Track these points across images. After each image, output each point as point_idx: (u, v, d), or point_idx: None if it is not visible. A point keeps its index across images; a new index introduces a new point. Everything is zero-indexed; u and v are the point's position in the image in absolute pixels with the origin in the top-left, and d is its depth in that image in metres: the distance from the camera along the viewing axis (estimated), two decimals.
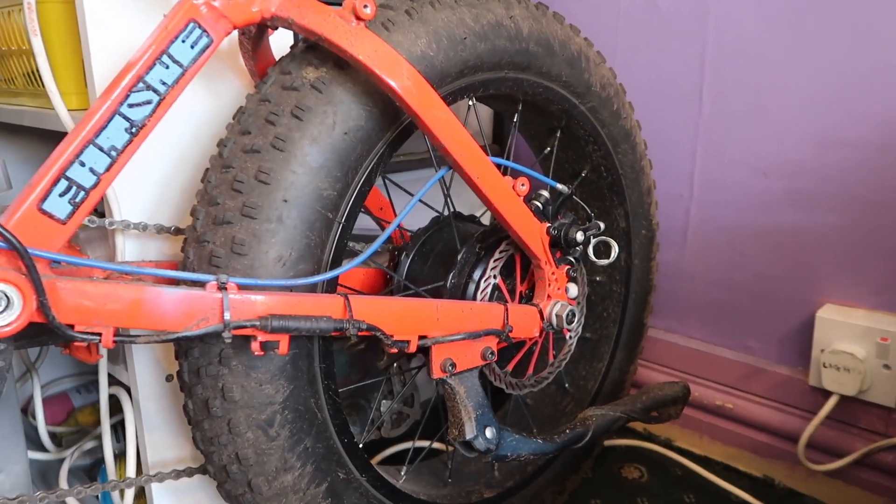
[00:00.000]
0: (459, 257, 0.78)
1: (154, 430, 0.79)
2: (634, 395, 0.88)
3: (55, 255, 0.52)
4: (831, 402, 0.98)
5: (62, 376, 1.17)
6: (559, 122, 0.91)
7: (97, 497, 0.93)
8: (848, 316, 0.96)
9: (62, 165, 0.53)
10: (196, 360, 0.62)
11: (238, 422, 0.62)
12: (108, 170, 0.55)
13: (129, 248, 0.72)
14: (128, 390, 0.79)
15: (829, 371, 0.96)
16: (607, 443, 1.15)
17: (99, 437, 1.00)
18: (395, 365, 0.91)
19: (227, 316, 0.55)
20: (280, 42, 0.73)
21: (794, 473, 1.05)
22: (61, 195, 0.54)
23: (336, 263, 0.66)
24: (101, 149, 0.55)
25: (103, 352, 0.78)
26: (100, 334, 0.54)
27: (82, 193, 0.55)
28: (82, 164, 0.54)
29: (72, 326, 0.53)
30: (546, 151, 0.95)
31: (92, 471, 0.98)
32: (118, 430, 1.02)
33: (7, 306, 0.50)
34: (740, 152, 1.05)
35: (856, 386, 0.94)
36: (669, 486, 1.07)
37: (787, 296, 1.04)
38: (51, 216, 0.53)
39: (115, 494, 0.84)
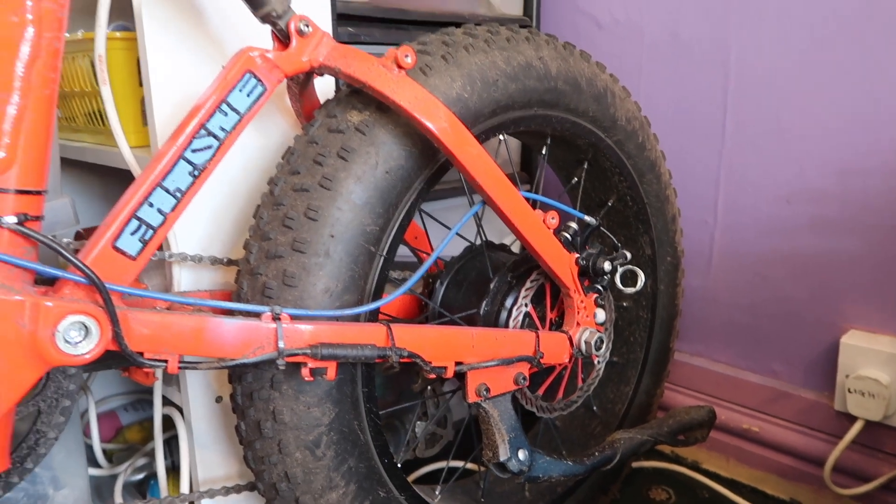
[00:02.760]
0: (492, 286, 0.82)
1: (204, 448, 0.83)
2: (661, 418, 0.91)
3: (128, 289, 0.57)
4: (857, 427, 0.99)
5: (110, 395, 1.23)
6: (586, 155, 0.95)
7: None
8: (872, 342, 0.98)
9: (133, 207, 0.59)
10: (249, 384, 0.67)
11: (287, 442, 0.66)
12: (173, 210, 0.61)
13: (184, 278, 0.78)
14: (180, 410, 0.83)
15: (854, 396, 0.98)
16: (635, 465, 1.18)
17: (148, 454, 1.05)
18: (428, 388, 0.95)
19: (281, 344, 0.60)
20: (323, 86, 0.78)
21: (821, 497, 1.06)
22: (132, 234, 0.59)
23: (378, 293, 0.70)
24: (167, 191, 0.60)
25: (159, 374, 0.83)
26: (166, 361, 0.58)
27: (150, 232, 0.60)
28: (151, 205, 0.60)
29: (141, 354, 0.58)
30: (574, 182, 0.99)
31: (141, 486, 1.03)
32: (167, 447, 1.07)
33: (87, 336, 0.55)
34: (763, 180, 1.08)
35: (881, 411, 0.96)
36: None
37: (811, 321, 1.06)
38: (123, 253, 0.58)
39: None
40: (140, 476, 1.04)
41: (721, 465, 1.17)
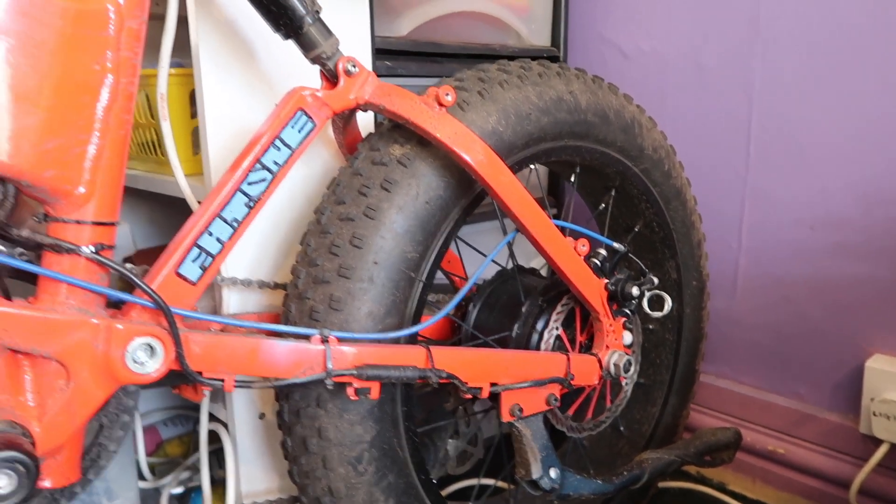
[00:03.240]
0: (524, 309, 0.85)
1: (247, 462, 0.87)
2: (688, 439, 0.93)
3: (191, 313, 0.62)
4: (882, 450, 1.00)
5: (150, 410, 1.27)
6: (614, 182, 0.98)
7: None
8: None
9: (195, 235, 0.63)
10: (296, 402, 0.70)
11: (332, 458, 0.70)
12: (230, 238, 0.65)
13: (232, 301, 0.82)
14: (225, 426, 0.87)
15: (880, 419, 0.99)
16: (661, 485, 1.19)
17: (189, 468, 1.09)
18: (460, 407, 0.98)
19: (329, 365, 0.64)
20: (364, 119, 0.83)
21: None
22: (193, 261, 0.63)
23: (417, 316, 0.74)
24: (225, 221, 0.65)
25: (206, 392, 0.87)
26: (223, 380, 0.63)
27: (210, 259, 0.64)
28: (210, 234, 0.64)
29: (200, 373, 0.62)
30: (601, 208, 1.02)
31: (183, 499, 1.07)
32: (211, 458, 1.11)
33: (152, 356, 0.59)
34: (787, 206, 1.10)
35: None
36: None
37: (836, 345, 1.08)
38: (185, 279, 0.63)
39: None
40: (181, 489, 1.08)
41: (747, 486, 1.19)
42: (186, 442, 1.22)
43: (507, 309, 0.89)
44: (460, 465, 1.01)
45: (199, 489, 1.09)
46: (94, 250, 0.57)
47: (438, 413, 1.00)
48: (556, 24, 1.27)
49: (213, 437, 0.92)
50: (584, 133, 0.88)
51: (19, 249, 0.59)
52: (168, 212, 1.22)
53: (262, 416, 0.87)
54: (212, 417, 0.91)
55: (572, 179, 0.97)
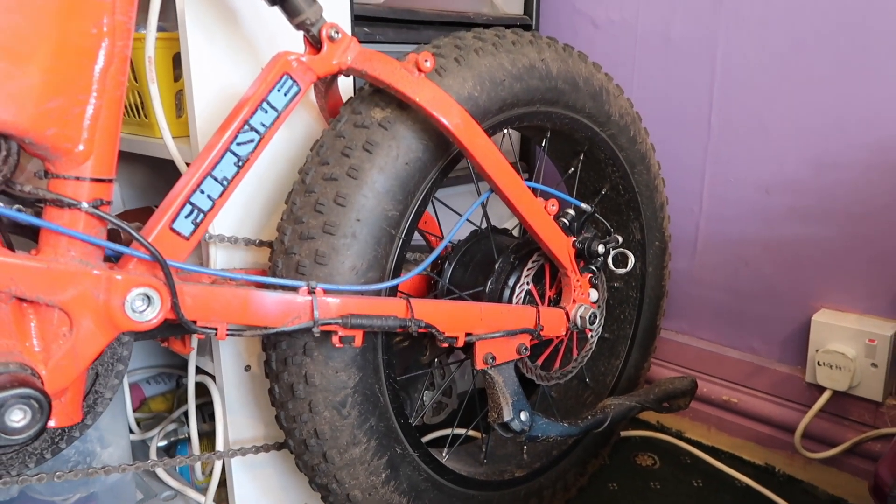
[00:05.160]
0: (497, 266, 0.90)
1: (233, 413, 0.92)
2: (648, 387, 1.00)
3: (184, 265, 0.66)
4: (825, 397, 1.09)
5: (135, 368, 1.31)
6: (582, 147, 1.03)
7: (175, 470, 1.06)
8: (840, 320, 1.07)
9: (188, 193, 0.67)
10: (284, 350, 0.75)
11: (317, 403, 0.75)
12: (220, 196, 0.69)
13: (219, 257, 0.86)
14: (213, 378, 0.92)
15: (824, 369, 1.07)
16: (623, 434, 1.27)
17: (174, 422, 1.14)
18: (436, 360, 1.04)
19: (316, 314, 0.68)
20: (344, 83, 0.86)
21: (793, 461, 1.16)
22: (186, 217, 0.67)
23: (397, 271, 0.79)
24: (216, 179, 0.68)
25: (194, 345, 0.91)
26: (216, 329, 0.67)
27: (201, 215, 0.68)
28: (202, 192, 0.67)
29: (194, 322, 0.66)
30: (570, 172, 1.07)
31: (169, 451, 1.11)
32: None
33: (150, 305, 0.63)
34: (745, 172, 1.17)
35: (847, 382, 1.05)
36: (680, 472, 1.18)
37: (787, 301, 1.15)
38: (179, 234, 0.66)
39: (198, 466, 0.98)
40: (166, 442, 1.12)
41: (702, 433, 1.27)
42: (169, 399, 1.26)
43: (481, 266, 0.94)
44: (435, 415, 1.07)
45: (183, 441, 1.13)
46: (93, 205, 0.60)
47: (415, 366, 1.06)
48: None
49: (199, 391, 0.96)
50: (555, 99, 0.92)
51: (17, 205, 0.62)
52: (151, 173, 1.24)
53: (247, 368, 0.91)
54: (198, 371, 0.95)
55: (543, 144, 1.02)
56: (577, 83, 0.95)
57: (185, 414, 1.14)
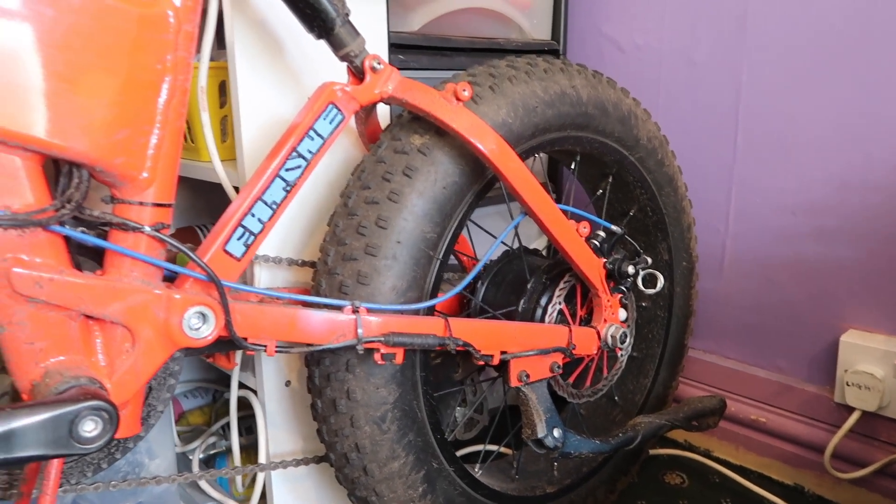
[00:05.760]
0: (529, 286, 0.93)
1: (274, 426, 0.95)
2: (677, 406, 1.02)
3: (237, 285, 0.69)
4: (854, 417, 1.10)
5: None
6: (611, 170, 1.06)
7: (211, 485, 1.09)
8: (868, 340, 1.08)
9: (240, 217, 0.70)
10: (327, 367, 0.78)
11: (359, 418, 0.78)
12: (269, 219, 0.72)
13: (263, 276, 0.89)
14: (254, 393, 0.95)
15: (852, 389, 1.08)
16: (652, 452, 1.28)
17: (214, 434, 1.17)
18: (468, 378, 1.06)
19: (360, 332, 0.72)
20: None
21: (822, 481, 1.17)
22: (238, 239, 0.71)
23: (434, 291, 0.82)
24: (265, 203, 0.72)
25: (238, 360, 0.94)
26: (265, 345, 0.70)
27: (252, 237, 0.71)
28: (253, 215, 0.71)
29: (245, 339, 0.69)
30: (599, 193, 1.10)
31: (208, 463, 1.14)
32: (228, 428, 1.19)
33: (205, 323, 0.67)
34: (771, 193, 1.18)
35: (875, 402, 1.06)
36: (708, 491, 1.19)
37: (814, 321, 1.16)
38: (231, 255, 0.70)
39: (238, 478, 1.01)
40: (204, 455, 1.15)
41: (731, 452, 1.28)
42: (206, 412, 1.29)
43: (513, 286, 0.97)
44: (467, 431, 1.09)
45: (222, 454, 1.17)
46: (154, 228, 0.64)
47: (447, 383, 1.08)
48: (557, 19, 1.34)
49: (240, 405, 0.99)
50: (585, 124, 0.95)
51: (81, 228, 0.66)
52: (192, 194, 1.28)
53: (288, 383, 0.95)
54: (240, 385, 0.98)
55: (573, 166, 1.05)
56: (606, 108, 0.97)
57: (224, 427, 1.17)
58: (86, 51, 0.57)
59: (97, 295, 0.60)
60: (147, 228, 0.63)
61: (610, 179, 1.08)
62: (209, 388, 1.33)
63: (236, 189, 0.88)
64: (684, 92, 1.26)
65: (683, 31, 1.24)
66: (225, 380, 1.26)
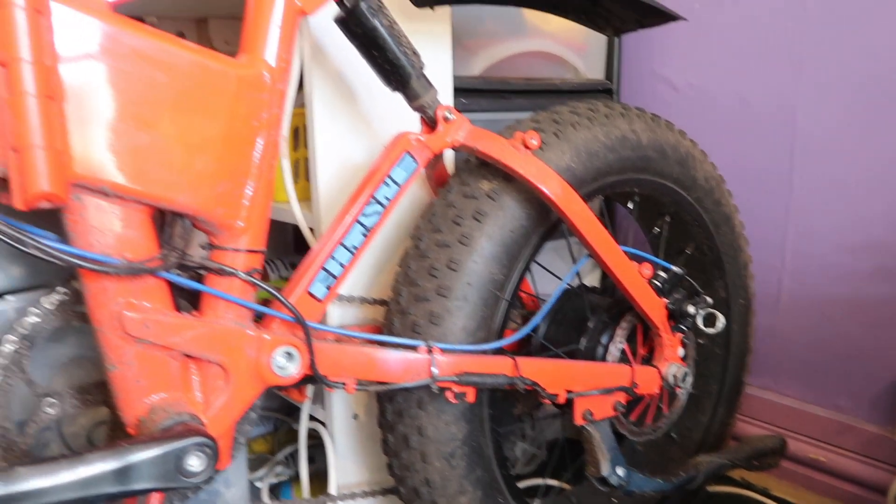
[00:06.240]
0: (590, 325, 0.95)
1: (341, 457, 0.98)
2: (738, 445, 1.02)
3: (320, 325, 0.73)
4: None
5: None
6: (668, 210, 1.08)
7: None
8: None
9: (322, 260, 0.75)
10: (399, 404, 0.81)
11: (429, 453, 0.81)
12: (349, 262, 0.76)
13: (335, 314, 0.93)
14: (323, 424, 0.99)
15: None
16: (710, 489, 1.28)
17: (279, 463, 1.21)
18: (527, 413, 1.08)
19: (434, 372, 0.75)
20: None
21: None
22: (321, 281, 0.75)
23: (501, 331, 0.84)
24: (345, 247, 0.76)
25: (310, 394, 0.98)
26: (345, 383, 0.74)
27: (333, 280, 0.75)
28: (334, 259, 0.75)
29: (326, 377, 0.73)
30: (655, 231, 1.12)
31: (273, 490, 1.18)
32: (293, 458, 1.23)
33: (291, 361, 0.70)
34: (828, 231, 1.19)
35: None
36: None
37: (874, 360, 1.16)
38: (314, 297, 0.74)
39: None
40: (271, 483, 1.19)
41: (789, 492, 1.27)
42: (269, 441, 1.33)
43: (573, 324, 0.99)
44: (526, 465, 1.11)
45: (286, 483, 1.20)
46: (248, 273, 0.68)
47: (507, 418, 1.11)
48: (611, 60, 1.37)
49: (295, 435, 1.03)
50: (645, 167, 0.98)
51: (176, 271, 0.71)
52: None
53: (355, 416, 0.98)
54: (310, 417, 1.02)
55: (630, 206, 1.07)
56: (665, 151, 1.00)
57: (289, 456, 1.21)
58: (193, 112, 0.62)
59: (198, 335, 0.65)
60: (242, 273, 0.68)
61: (667, 219, 1.09)
62: (270, 416, 1.38)
63: (311, 230, 0.93)
64: (738, 131, 1.27)
65: (738, 71, 1.26)
66: (286, 409, 1.31)
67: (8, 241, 0.54)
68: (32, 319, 0.67)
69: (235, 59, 0.66)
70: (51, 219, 0.60)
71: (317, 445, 1.03)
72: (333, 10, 0.76)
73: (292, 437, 1.26)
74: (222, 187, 0.65)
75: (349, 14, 0.74)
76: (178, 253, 0.64)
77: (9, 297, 0.73)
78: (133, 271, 0.60)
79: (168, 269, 0.63)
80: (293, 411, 1.21)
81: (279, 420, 1.36)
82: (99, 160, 0.57)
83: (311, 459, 1.16)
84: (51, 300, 0.68)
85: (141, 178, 0.59)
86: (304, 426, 1.00)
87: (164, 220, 0.66)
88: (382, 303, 0.93)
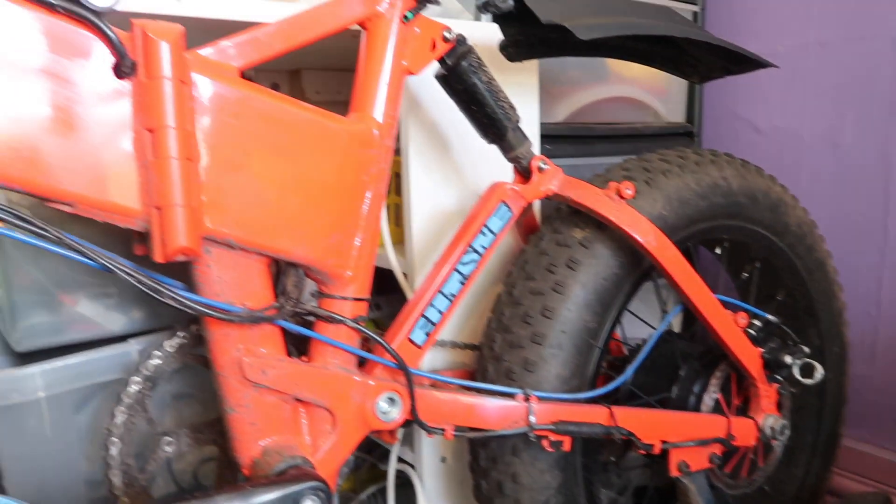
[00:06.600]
0: (682, 373, 0.94)
1: (430, 500, 0.99)
2: (837, 501, 0.98)
3: (421, 372, 0.75)
4: None
5: None
6: (758, 255, 1.06)
7: None
8: None
9: (422, 308, 0.77)
10: (493, 450, 0.82)
11: (523, 501, 0.81)
12: (447, 309, 0.78)
13: (425, 358, 0.95)
14: (411, 466, 1.00)
15: None
16: None
17: (363, 501, 1.22)
18: (612, 459, 1.07)
19: (532, 420, 0.75)
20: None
21: None
22: (420, 328, 0.77)
23: (594, 378, 0.85)
24: (444, 295, 0.78)
25: (399, 436, 1.00)
26: (444, 429, 0.75)
27: (432, 326, 0.77)
28: (433, 306, 0.77)
29: (426, 423, 0.75)
30: (744, 277, 1.10)
31: None
32: (378, 498, 1.24)
33: (393, 407, 0.72)
34: None
35: None
36: None
37: None
38: (414, 343, 0.76)
39: None
40: None
41: None
42: (351, 479, 1.35)
43: (662, 370, 0.98)
44: None
45: None
46: (355, 321, 0.71)
47: (593, 465, 1.09)
48: (691, 103, 1.38)
49: (382, 474, 1.04)
50: (736, 213, 0.97)
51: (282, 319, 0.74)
52: None
53: (443, 459, 0.99)
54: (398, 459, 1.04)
55: (718, 251, 1.06)
56: (756, 197, 0.99)
57: (372, 496, 1.23)
58: (311, 168, 0.66)
59: (310, 380, 0.68)
60: (350, 321, 0.70)
61: (757, 264, 1.08)
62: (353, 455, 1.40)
63: (404, 274, 0.96)
64: (829, 175, 1.25)
65: (828, 114, 1.24)
66: (367, 447, 1.32)
67: (148, 291, 0.58)
68: (155, 361, 0.71)
69: (347, 118, 0.70)
70: (169, 265, 0.64)
71: (400, 486, 1.04)
72: (434, 66, 0.79)
73: (374, 475, 1.27)
74: (335, 239, 0.68)
75: (450, 71, 0.78)
76: (293, 301, 0.67)
77: (131, 340, 0.78)
78: (255, 320, 0.63)
79: (284, 317, 0.66)
80: (373, 449, 1.23)
81: (359, 457, 1.38)
82: (227, 215, 0.61)
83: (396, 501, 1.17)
84: (172, 343, 0.72)
85: (264, 231, 0.63)
86: (392, 468, 1.01)
87: (278, 270, 0.70)
88: (472, 347, 0.94)
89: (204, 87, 0.59)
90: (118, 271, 0.56)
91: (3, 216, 0.52)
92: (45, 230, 0.54)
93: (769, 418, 0.92)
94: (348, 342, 0.71)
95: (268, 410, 0.67)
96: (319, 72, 1.35)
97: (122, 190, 0.56)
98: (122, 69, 0.55)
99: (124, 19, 0.59)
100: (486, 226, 0.80)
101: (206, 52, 0.61)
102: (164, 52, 0.55)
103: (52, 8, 0.52)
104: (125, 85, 0.55)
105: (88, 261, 0.56)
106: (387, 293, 1.09)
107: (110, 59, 0.55)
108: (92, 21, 0.53)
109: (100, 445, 0.74)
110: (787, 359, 0.91)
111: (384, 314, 1.17)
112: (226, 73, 0.61)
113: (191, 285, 0.64)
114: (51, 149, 0.53)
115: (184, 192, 0.57)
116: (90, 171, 0.54)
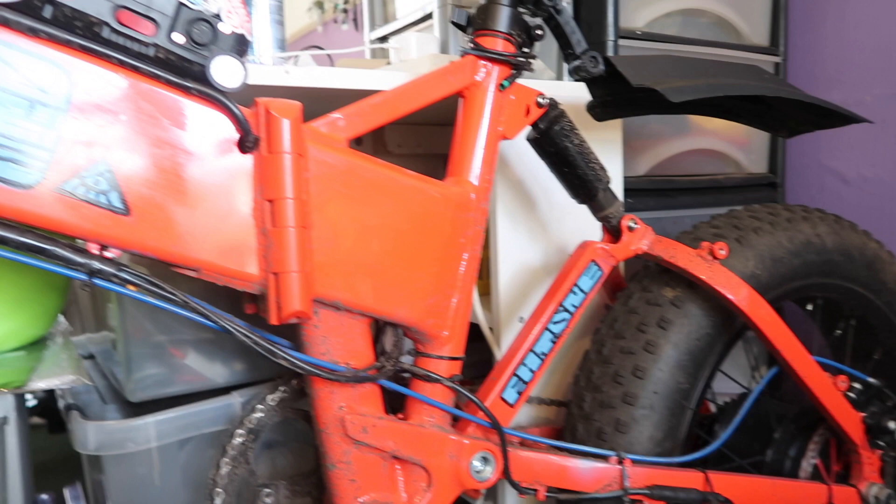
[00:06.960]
0: (777, 436, 0.91)
1: None
2: None
3: (515, 431, 0.76)
4: None
5: None
6: (853, 313, 1.02)
7: None
8: None
9: (514, 367, 0.77)
10: None
11: None
12: (538, 368, 0.79)
13: None
14: None
15: None
16: None
17: None
18: None
19: (626, 484, 0.75)
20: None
21: None
22: (512, 387, 0.77)
23: (686, 441, 0.83)
24: (535, 354, 0.79)
25: (483, 491, 1.00)
26: (536, 490, 0.75)
27: (523, 385, 0.78)
28: (524, 365, 0.78)
29: (519, 483, 0.75)
30: (837, 334, 1.06)
31: None
32: None
33: (487, 466, 0.73)
34: None
35: None
36: None
37: None
38: (506, 402, 0.77)
39: None
40: None
41: None
42: None
43: (754, 432, 0.95)
44: None
45: None
46: (450, 380, 0.72)
47: None
48: (774, 153, 1.35)
49: None
50: (830, 271, 0.95)
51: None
52: None
53: None
54: None
55: (809, 308, 1.03)
56: (851, 254, 0.96)
57: None
58: (413, 232, 0.68)
59: (408, 438, 0.69)
60: (446, 380, 0.72)
61: (852, 322, 1.04)
62: None
63: (490, 329, 0.97)
64: None
65: None
66: None
67: (263, 352, 0.61)
68: (258, 415, 0.74)
69: (445, 182, 0.72)
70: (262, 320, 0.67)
71: None
72: (526, 130, 0.81)
73: None
74: (434, 300, 0.70)
75: (543, 135, 0.79)
76: (394, 361, 0.69)
77: (233, 392, 0.82)
78: (358, 379, 0.65)
79: (386, 376, 0.68)
80: None
81: None
82: (335, 279, 0.64)
83: None
84: (274, 397, 0.75)
85: (368, 293, 0.65)
86: None
87: (378, 329, 0.72)
88: (560, 403, 0.94)
89: (318, 158, 0.62)
90: (237, 333, 0.59)
91: (136, 282, 0.56)
92: (174, 294, 0.57)
93: (873, 486, 0.88)
94: (444, 401, 0.72)
95: (367, 468, 0.68)
96: (401, 126, 1.39)
97: (243, 257, 0.59)
98: (246, 144, 0.59)
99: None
100: (576, 285, 0.81)
101: (318, 124, 0.65)
102: (286, 128, 0.59)
103: (187, 91, 0.56)
104: (248, 158, 0.59)
105: (210, 323, 0.59)
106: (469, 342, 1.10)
107: (235, 135, 0.59)
108: (221, 101, 0.57)
109: (204, 495, 0.77)
110: (892, 424, 0.87)
111: (465, 363, 1.18)
112: (336, 143, 0.65)
113: (296, 343, 0.66)
114: (182, 219, 0.57)
115: (299, 259, 0.59)
116: (216, 240, 0.58)
